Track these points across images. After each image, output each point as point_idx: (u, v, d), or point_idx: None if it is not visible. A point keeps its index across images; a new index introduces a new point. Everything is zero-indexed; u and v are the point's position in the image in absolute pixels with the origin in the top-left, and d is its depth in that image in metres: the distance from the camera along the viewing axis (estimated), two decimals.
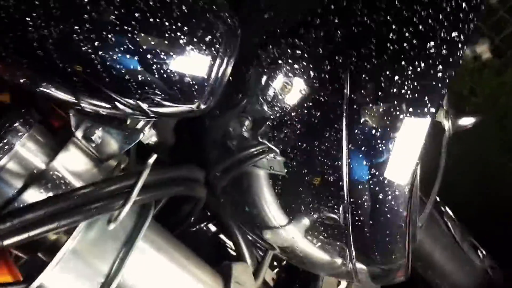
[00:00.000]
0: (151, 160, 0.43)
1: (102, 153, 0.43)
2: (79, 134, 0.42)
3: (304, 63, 0.40)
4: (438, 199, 0.93)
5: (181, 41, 0.34)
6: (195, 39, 0.34)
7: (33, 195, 0.39)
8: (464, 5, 0.38)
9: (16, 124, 0.40)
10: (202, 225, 0.70)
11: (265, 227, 0.51)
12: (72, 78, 0.36)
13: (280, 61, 0.41)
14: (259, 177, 0.47)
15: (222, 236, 0.71)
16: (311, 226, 0.47)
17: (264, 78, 0.43)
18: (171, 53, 0.34)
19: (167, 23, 0.33)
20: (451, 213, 0.93)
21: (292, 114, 0.41)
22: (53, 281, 0.38)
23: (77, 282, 0.40)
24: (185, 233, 0.69)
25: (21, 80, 0.37)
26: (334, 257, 0.49)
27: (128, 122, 0.44)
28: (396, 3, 0.38)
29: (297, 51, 0.40)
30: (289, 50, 0.41)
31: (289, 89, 0.42)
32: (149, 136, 0.46)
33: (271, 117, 0.43)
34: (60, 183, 0.41)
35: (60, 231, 0.39)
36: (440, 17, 0.38)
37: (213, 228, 0.71)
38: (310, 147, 0.41)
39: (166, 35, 0.33)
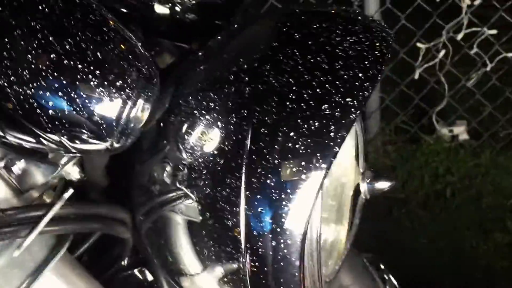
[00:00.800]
0: (66, 195, 0.45)
1: (22, 184, 0.46)
2: (1, 164, 0.44)
3: (215, 115, 0.43)
4: (382, 266, 0.94)
5: (92, 84, 0.37)
6: (105, 83, 0.38)
7: None
8: (361, 74, 0.43)
9: None
10: (136, 270, 0.70)
11: (182, 274, 0.53)
12: (5, 114, 0.39)
13: (196, 112, 0.45)
14: (176, 222, 0.49)
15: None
16: (221, 274, 0.49)
17: (183, 127, 0.46)
18: (83, 94, 0.37)
19: (80, 66, 0.37)
20: (394, 281, 0.94)
21: (203, 161, 0.44)
22: None
23: None
24: (117, 277, 0.70)
25: None
26: None
27: (50, 157, 0.46)
28: (298, 67, 0.43)
29: (211, 104, 0.44)
30: (204, 102, 0.44)
31: (204, 138, 0.45)
32: (73, 172, 0.49)
33: (189, 164, 0.46)
34: None
35: None
36: (337, 83, 0.42)
37: (149, 275, 0.72)
38: (215, 194, 0.43)
39: (78, 76, 0.37)
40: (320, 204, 0.45)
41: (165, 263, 0.55)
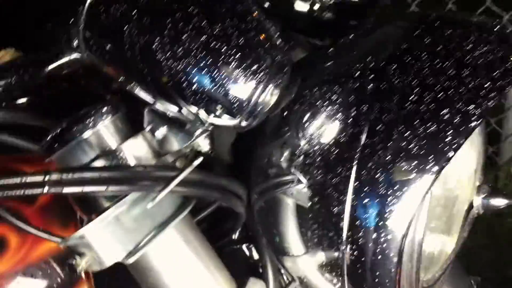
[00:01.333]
0: (196, 162, 0.51)
1: (161, 147, 0.53)
2: (147, 128, 0.52)
3: (336, 108, 0.46)
4: None
5: (231, 65, 0.42)
6: (243, 65, 0.43)
7: (99, 165, 0.50)
8: (487, 84, 0.43)
9: (104, 109, 0.51)
10: (244, 245, 0.76)
11: (285, 254, 0.56)
12: (152, 83, 0.46)
13: (318, 103, 0.48)
14: (287, 204, 0.53)
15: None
16: (322, 259, 0.52)
17: (305, 116, 0.49)
18: (222, 73, 0.43)
19: (223, 49, 0.42)
20: None
21: (319, 149, 0.48)
22: (93, 234, 0.47)
23: (111, 242, 0.48)
24: (226, 249, 0.76)
25: (119, 80, 0.49)
26: None
27: (187, 127, 0.53)
28: (424, 70, 0.44)
29: (333, 97, 0.47)
30: (327, 95, 0.47)
31: (323, 128, 0.48)
32: (203, 144, 0.55)
33: (305, 151, 0.49)
34: (122, 162, 0.51)
35: (108, 195, 0.48)
36: (461, 90, 0.42)
37: (255, 253, 0.77)
38: (325, 181, 0.46)
39: (221, 57, 0.42)
40: (427, 209, 0.45)
41: (271, 241, 0.59)
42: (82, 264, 0.47)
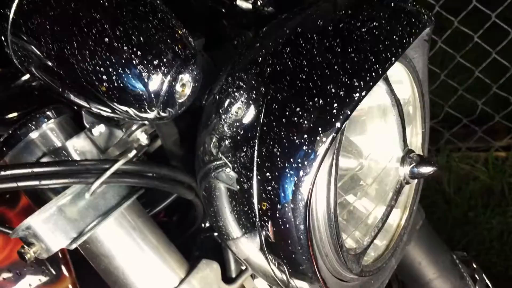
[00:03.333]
0: (130, 154, 0.56)
1: (102, 143, 0.58)
2: (87, 127, 0.57)
3: (243, 92, 0.50)
4: (475, 266, 0.90)
5: (134, 62, 0.47)
6: (145, 62, 0.47)
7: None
8: (371, 57, 0.45)
9: (47, 113, 0.57)
10: (215, 233, 0.80)
11: (229, 239, 0.60)
12: (77, 88, 0.50)
13: (231, 89, 0.52)
14: (220, 189, 0.56)
15: None
16: (257, 240, 0.55)
17: (225, 103, 0.53)
18: (128, 72, 0.47)
19: (125, 48, 0.46)
20: (487, 281, 0.89)
21: (235, 133, 0.51)
22: (38, 225, 0.53)
23: (55, 231, 0.53)
24: (198, 237, 0.80)
25: (58, 89, 0.53)
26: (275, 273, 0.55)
27: (121, 123, 0.57)
28: (314, 50, 0.47)
29: (241, 82, 0.50)
30: (237, 81, 0.51)
31: (237, 113, 0.52)
32: (141, 138, 0.59)
33: (228, 136, 0.53)
34: (68, 158, 0.56)
35: (43, 188, 0.53)
36: (346, 65, 0.45)
37: None
38: (236, 162, 0.50)
39: (124, 56, 0.46)
40: (334, 177, 0.48)
41: (218, 227, 0.63)
42: (30, 253, 0.53)
